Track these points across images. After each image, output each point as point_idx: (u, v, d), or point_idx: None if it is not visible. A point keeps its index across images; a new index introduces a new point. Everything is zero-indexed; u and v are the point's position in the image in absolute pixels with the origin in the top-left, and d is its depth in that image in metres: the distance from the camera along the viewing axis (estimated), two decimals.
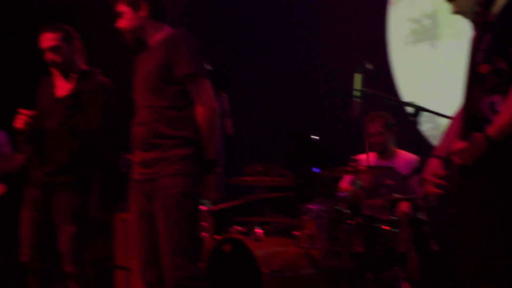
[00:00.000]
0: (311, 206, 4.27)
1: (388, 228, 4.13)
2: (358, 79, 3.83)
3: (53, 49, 3.62)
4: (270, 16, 6.39)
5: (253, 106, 6.32)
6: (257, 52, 6.42)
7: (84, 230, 3.61)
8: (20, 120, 3.56)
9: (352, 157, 4.44)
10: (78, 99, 3.63)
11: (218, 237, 4.43)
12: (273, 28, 6.36)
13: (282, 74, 6.26)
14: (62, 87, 3.69)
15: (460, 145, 2.18)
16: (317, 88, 6.09)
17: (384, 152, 4.81)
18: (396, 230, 4.14)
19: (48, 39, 3.62)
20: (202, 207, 4.46)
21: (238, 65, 6.39)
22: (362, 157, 4.63)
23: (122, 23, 3.15)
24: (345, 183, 4.94)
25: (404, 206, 4.52)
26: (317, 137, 5.39)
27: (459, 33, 5.31)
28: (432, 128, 5.47)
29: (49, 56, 3.63)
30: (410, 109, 3.63)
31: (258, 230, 4.37)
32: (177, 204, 2.95)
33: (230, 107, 4.69)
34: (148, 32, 3.15)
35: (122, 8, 3.13)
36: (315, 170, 5.06)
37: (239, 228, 4.51)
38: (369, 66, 3.85)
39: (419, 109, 3.58)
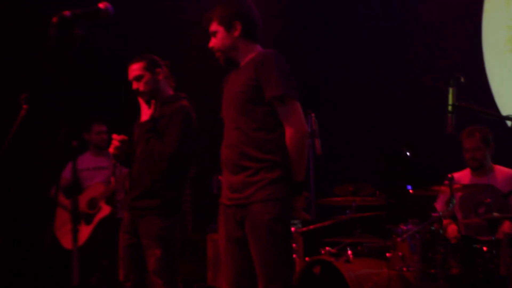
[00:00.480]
0: (403, 227, 4.11)
1: (487, 249, 3.90)
2: (451, 93, 3.67)
3: (137, 78, 3.73)
4: (358, 32, 6.29)
5: (342, 124, 6.22)
6: (346, 68, 6.34)
7: (170, 253, 3.64)
8: (112, 145, 3.73)
9: (447, 175, 4.24)
10: (156, 124, 3.69)
11: (308, 259, 4.37)
12: (362, 43, 6.27)
13: (371, 90, 6.13)
14: (145, 113, 3.79)
15: None
16: (408, 102, 5.91)
17: (481, 169, 4.59)
18: (496, 252, 3.90)
19: (132, 70, 3.75)
20: (291, 228, 4.45)
21: (326, 83, 6.33)
22: (458, 174, 4.41)
23: (214, 43, 3.13)
24: (440, 202, 4.73)
25: (505, 226, 4.27)
26: (409, 154, 5.22)
27: None
28: None
29: (134, 85, 3.76)
30: (509, 123, 3.43)
31: (349, 252, 4.25)
32: (268, 231, 2.88)
33: (319, 126, 4.63)
34: (240, 51, 3.11)
35: (215, 27, 3.10)
36: (409, 187, 4.90)
37: (329, 249, 4.41)
38: (463, 79, 3.68)
39: None
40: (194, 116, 3.78)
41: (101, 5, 2.65)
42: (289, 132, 2.93)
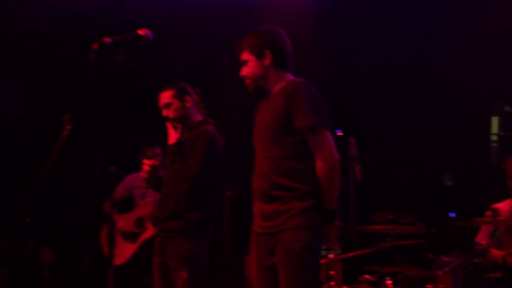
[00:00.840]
0: (445, 258, 4.00)
1: None
2: (495, 122, 3.57)
3: (166, 106, 3.87)
4: (401, 57, 6.21)
5: (384, 150, 6.12)
6: (387, 94, 6.25)
7: (197, 275, 3.67)
8: (143, 170, 3.87)
9: (490, 206, 4.11)
10: (182, 148, 3.80)
11: (346, 287, 4.29)
12: (405, 68, 6.17)
13: (413, 116, 6.02)
14: (172, 137, 3.91)
15: None
16: (451, 130, 5.78)
17: None
18: None
19: (162, 98, 3.89)
20: (330, 255, 4.39)
21: (368, 108, 6.25)
22: (500, 205, 4.28)
23: (246, 71, 3.15)
24: (482, 235, 4.57)
25: None
26: (451, 182, 5.10)
27: None
28: None
29: (164, 112, 3.90)
30: None
31: (388, 281, 4.16)
32: (299, 259, 2.86)
33: (359, 152, 4.58)
34: (270, 80, 3.12)
35: (246, 56, 3.13)
36: (452, 215, 4.77)
37: (368, 277, 4.33)
38: (507, 108, 3.59)
39: None
40: (220, 140, 3.86)
41: (140, 32, 2.70)
42: (319, 162, 2.93)
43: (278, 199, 2.95)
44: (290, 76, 3.16)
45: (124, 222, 5.44)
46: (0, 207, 6.38)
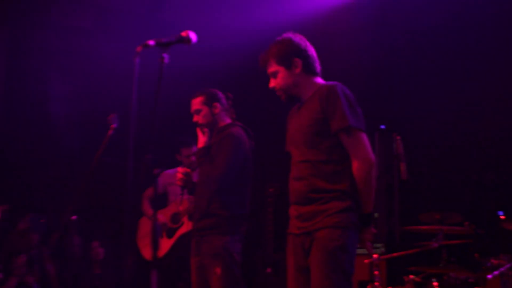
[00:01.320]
0: (494, 261, 3.89)
1: None
2: None
3: (196, 112, 4.05)
4: (444, 51, 6.03)
5: (430, 148, 5.96)
6: (433, 89, 6.07)
7: (231, 271, 3.74)
8: (177, 178, 4.00)
9: None
10: (208, 151, 3.94)
11: (391, 287, 4.22)
12: (448, 62, 5.99)
13: (460, 112, 5.84)
14: (201, 141, 4.05)
15: None
16: (501, 126, 5.60)
17: None
18: None
19: (193, 104, 4.09)
20: (374, 255, 4.33)
21: (413, 105, 6.10)
22: None
23: (276, 83, 3.13)
24: None
25: None
26: (499, 182, 4.96)
27: None
28: None
29: (194, 118, 4.06)
30: None
31: (435, 283, 4.08)
32: (332, 257, 2.85)
33: (405, 150, 4.49)
34: (302, 87, 3.11)
35: (274, 67, 3.11)
36: (500, 213, 4.64)
37: (413, 278, 4.25)
38: None
39: None
40: (246, 141, 3.96)
41: (183, 34, 2.70)
42: (355, 164, 2.94)
43: (317, 200, 2.95)
44: (320, 80, 3.16)
45: (160, 217, 5.51)
46: (48, 205, 6.54)
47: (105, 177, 5.50)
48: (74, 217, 3.95)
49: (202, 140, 4.03)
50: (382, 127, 6.42)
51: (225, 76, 6.37)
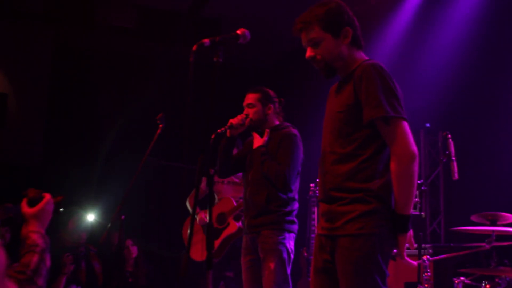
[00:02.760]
0: None
1: None
2: None
3: (249, 106, 4.05)
4: (493, 46, 5.86)
5: (481, 147, 5.79)
6: (485, 87, 5.89)
7: (283, 268, 3.76)
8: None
9: None
10: (267, 148, 3.94)
11: None
12: (498, 58, 5.81)
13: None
14: (258, 140, 4.03)
15: None
16: None
17: None
18: None
19: (248, 98, 4.09)
20: (424, 256, 4.25)
21: (464, 101, 5.94)
22: None
23: (319, 52, 2.68)
24: None
25: None
26: None
27: None
28: None
29: (245, 110, 4.06)
30: None
31: (487, 285, 3.98)
32: (356, 270, 2.54)
33: (456, 149, 4.37)
34: (347, 62, 2.70)
35: (318, 34, 2.66)
36: None
37: (464, 279, 4.16)
38: None
39: None
40: (301, 141, 3.98)
41: (238, 32, 2.67)
42: (394, 157, 2.54)
43: (338, 199, 2.61)
44: (362, 55, 2.74)
45: (204, 218, 5.50)
46: (99, 205, 6.62)
47: (151, 176, 5.55)
48: (122, 217, 3.97)
49: (259, 141, 4.03)
50: (427, 125, 6.30)
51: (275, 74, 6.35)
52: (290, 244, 3.85)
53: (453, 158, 4.30)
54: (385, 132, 2.55)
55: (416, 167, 2.53)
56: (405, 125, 2.55)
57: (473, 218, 4.33)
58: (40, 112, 7.14)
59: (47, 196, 2.26)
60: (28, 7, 6.66)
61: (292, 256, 3.85)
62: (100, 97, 7.24)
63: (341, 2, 2.72)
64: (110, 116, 7.15)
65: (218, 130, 3.87)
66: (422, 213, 5.30)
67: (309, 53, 2.70)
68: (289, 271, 3.82)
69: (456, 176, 4.28)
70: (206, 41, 2.58)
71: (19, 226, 2.27)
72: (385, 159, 2.59)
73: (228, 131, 3.96)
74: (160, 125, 4.10)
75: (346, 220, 2.56)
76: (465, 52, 5.83)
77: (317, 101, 4.23)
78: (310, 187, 5.87)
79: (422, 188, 4.68)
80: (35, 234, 2.16)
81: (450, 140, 4.35)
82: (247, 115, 4.01)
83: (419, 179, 4.16)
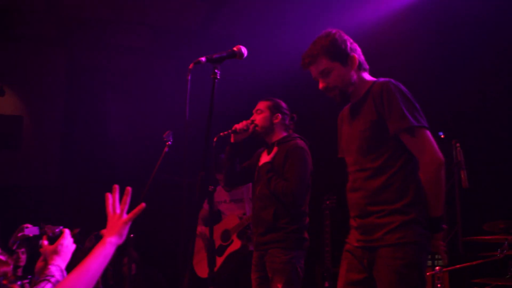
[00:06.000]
0: None
1: None
2: None
3: (257, 111, 4.05)
4: (508, 54, 5.79)
5: (492, 155, 5.72)
6: (494, 91, 5.80)
7: (291, 286, 3.66)
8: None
9: None
10: (274, 162, 3.88)
11: None
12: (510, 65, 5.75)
13: None
14: (264, 157, 4.01)
15: None
16: None
17: None
18: None
19: (258, 104, 4.08)
20: (436, 267, 4.20)
21: (473, 109, 5.88)
22: None
23: (330, 81, 2.85)
24: None
25: None
26: None
27: None
28: None
29: (253, 116, 4.04)
30: None
31: None
32: (400, 277, 2.61)
33: (465, 157, 4.34)
34: (356, 85, 2.87)
35: (326, 64, 2.83)
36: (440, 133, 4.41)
37: None
38: None
39: None
40: (309, 153, 3.90)
41: (235, 48, 2.70)
42: (423, 164, 2.67)
43: (376, 212, 2.72)
44: (369, 76, 2.93)
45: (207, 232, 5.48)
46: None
47: (159, 193, 5.57)
48: (131, 235, 3.99)
49: (266, 157, 3.98)
50: (441, 134, 6.25)
51: (282, 88, 6.36)
52: (300, 262, 3.74)
53: (463, 167, 4.27)
54: (410, 143, 2.69)
55: (444, 172, 2.66)
56: (429, 133, 2.69)
57: (486, 227, 4.27)
58: (55, 133, 7.23)
59: (65, 232, 2.31)
60: (41, 30, 6.77)
61: (301, 274, 3.74)
62: (113, 116, 7.31)
63: (341, 31, 2.90)
64: (121, 135, 7.22)
65: (221, 133, 3.88)
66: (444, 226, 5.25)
67: (322, 84, 2.87)
68: None
69: (466, 184, 4.25)
70: (203, 58, 2.62)
71: (35, 245, 2.31)
72: (414, 168, 2.73)
73: (232, 136, 3.97)
74: (167, 143, 4.12)
75: (386, 231, 2.67)
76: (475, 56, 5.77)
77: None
78: (324, 199, 5.85)
79: None
80: (54, 266, 2.22)
81: (459, 149, 4.32)
82: (252, 121, 3.98)
83: None
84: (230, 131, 3.92)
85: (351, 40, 2.91)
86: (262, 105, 4.04)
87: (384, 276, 2.66)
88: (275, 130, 4.01)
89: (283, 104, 4.08)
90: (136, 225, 3.99)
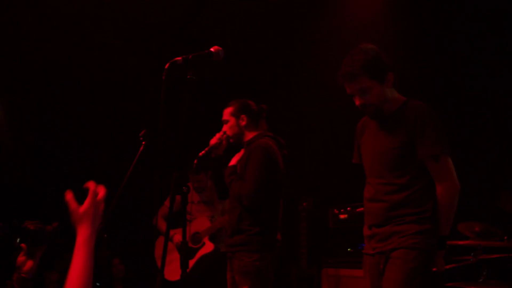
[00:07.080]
0: None
1: None
2: None
3: (224, 122, 4.01)
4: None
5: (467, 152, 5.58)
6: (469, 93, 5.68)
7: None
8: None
9: None
10: (236, 168, 3.87)
11: None
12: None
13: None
14: (233, 159, 3.97)
15: None
16: None
17: None
18: None
19: (223, 114, 4.04)
20: None
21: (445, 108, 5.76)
22: None
23: (367, 99, 2.94)
24: None
25: None
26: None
27: None
28: None
29: (223, 128, 3.99)
30: None
31: None
32: (406, 278, 2.79)
33: None
34: (390, 102, 3.00)
35: (366, 83, 2.90)
36: None
37: None
38: None
39: None
40: (276, 152, 3.82)
41: (212, 49, 2.68)
42: (442, 188, 2.88)
43: (394, 220, 2.91)
44: (397, 94, 3.04)
45: (177, 237, 5.40)
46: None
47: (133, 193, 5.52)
48: (105, 235, 3.95)
49: (232, 160, 3.97)
50: None
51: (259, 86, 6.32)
52: (266, 264, 3.70)
53: None
54: (434, 168, 2.88)
55: (458, 198, 2.90)
56: (450, 160, 2.90)
57: (460, 228, 4.28)
58: (30, 130, 7.13)
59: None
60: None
61: (269, 275, 3.72)
62: (88, 113, 7.23)
63: (374, 46, 2.96)
64: (99, 132, 7.15)
65: (200, 154, 3.86)
66: None
67: (359, 101, 2.96)
68: None
69: None
70: (179, 58, 2.60)
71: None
72: (434, 187, 2.91)
73: (212, 153, 3.92)
74: (143, 142, 4.05)
75: (401, 235, 2.86)
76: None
77: None
78: (301, 200, 5.85)
79: None
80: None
81: None
82: (224, 132, 3.95)
83: None
84: (207, 149, 3.89)
85: (385, 55, 2.98)
86: (225, 114, 4.00)
87: (391, 273, 2.83)
88: (245, 132, 3.98)
89: (245, 102, 4.01)
90: (110, 225, 3.97)
